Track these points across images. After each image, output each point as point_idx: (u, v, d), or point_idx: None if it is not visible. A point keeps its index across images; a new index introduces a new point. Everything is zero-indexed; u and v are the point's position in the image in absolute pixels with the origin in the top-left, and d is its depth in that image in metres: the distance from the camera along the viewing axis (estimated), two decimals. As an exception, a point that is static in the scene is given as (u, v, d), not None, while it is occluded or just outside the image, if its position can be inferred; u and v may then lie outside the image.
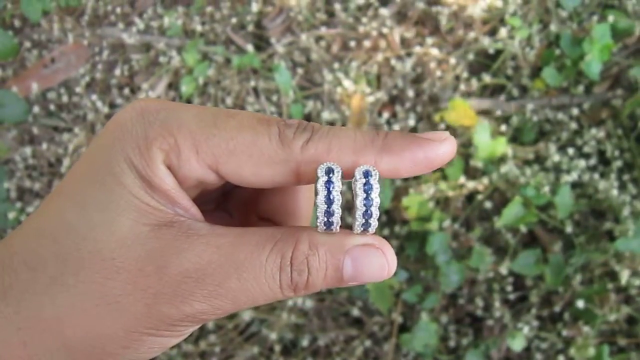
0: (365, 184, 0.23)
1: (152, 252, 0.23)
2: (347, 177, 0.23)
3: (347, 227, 0.24)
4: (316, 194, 0.23)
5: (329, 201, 0.23)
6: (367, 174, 0.23)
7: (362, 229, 0.23)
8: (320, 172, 0.23)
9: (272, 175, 0.23)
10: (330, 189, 0.23)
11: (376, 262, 0.23)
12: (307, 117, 1.00)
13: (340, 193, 0.23)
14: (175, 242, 0.23)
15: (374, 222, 0.23)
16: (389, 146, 0.23)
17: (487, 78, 0.97)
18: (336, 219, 0.23)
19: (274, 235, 0.23)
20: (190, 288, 0.22)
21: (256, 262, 0.23)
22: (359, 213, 0.23)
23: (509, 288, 0.86)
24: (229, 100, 1.00)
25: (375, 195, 0.23)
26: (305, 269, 0.23)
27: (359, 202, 0.23)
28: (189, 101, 1.02)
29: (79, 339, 0.23)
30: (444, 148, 0.23)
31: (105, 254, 0.23)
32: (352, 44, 1.01)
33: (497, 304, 0.85)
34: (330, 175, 0.23)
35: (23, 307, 0.23)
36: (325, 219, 0.23)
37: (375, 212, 0.23)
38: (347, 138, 0.23)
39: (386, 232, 0.91)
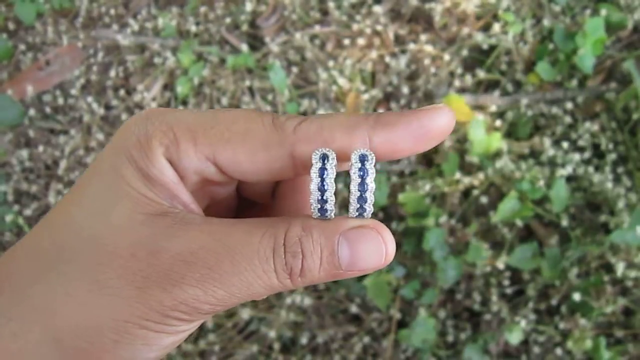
0: (360, 169, 0.23)
1: (145, 238, 0.23)
2: (343, 158, 0.23)
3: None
4: (310, 181, 0.23)
5: (322, 189, 0.23)
6: (362, 158, 0.23)
7: (357, 213, 0.23)
8: (315, 159, 0.23)
9: (267, 159, 0.23)
10: (324, 176, 0.23)
11: (373, 245, 0.23)
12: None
13: (335, 182, 0.23)
14: (168, 229, 0.23)
15: (369, 207, 0.23)
16: (383, 120, 0.23)
17: (481, 73, 0.97)
18: (330, 206, 0.23)
19: (267, 221, 0.23)
20: (182, 271, 0.22)
21: (249, 245, 0.22)
22: (353, 198, 0.23)
23: (506, 282, 0.86)
24: (225, 100, 1.00)
25: (370, 180, 0.23)
26: (299, 251, 0.22)
27: (354, 187, 0.23)
28: (184, 102, 1.03)
29: (69, 330, 0.22)
30: (440, 117, 0.23)
31: (100, 240, 0.23)
32: (347, 41, 1.01)
33: (494, 298, 0.85)
34: (325, 161, 0.23)
35: (17, 296, 0.23)
36: (319, 206, 0.23)
37: (370, 197, 0.23)
38: (340, 117, 0.23)
39: (383, 228, 0.91)
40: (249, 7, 1.05)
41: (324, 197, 0.23)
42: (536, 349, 0.84)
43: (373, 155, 0.23)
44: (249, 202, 0.30)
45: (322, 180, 0.23)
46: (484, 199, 0.89)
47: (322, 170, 0.23)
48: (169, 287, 0.22)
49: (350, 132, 0.23)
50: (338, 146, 0.23)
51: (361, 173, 0.23)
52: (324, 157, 0.23)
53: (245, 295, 0.23)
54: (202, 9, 1.07)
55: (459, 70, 0.98)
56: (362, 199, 0.23)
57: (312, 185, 0.23)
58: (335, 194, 0.23)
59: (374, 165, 0.23)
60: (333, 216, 0.23)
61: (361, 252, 0.23)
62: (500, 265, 0.84)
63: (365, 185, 0.23)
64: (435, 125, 0.23)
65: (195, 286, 0.22)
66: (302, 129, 0.23)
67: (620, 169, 0.90)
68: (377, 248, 0.23)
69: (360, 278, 0.87)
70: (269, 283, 0.23)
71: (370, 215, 0.23)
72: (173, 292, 0.22)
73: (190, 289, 0.22)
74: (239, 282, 0.22)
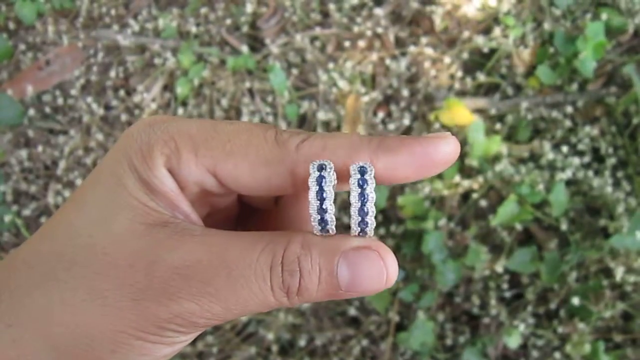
0: (360, 180, 0.22)
1: (143, 249, 0.22)
2: (343, 177, 0.23)
3: (345, 229, 0.24)
4: (308, 191, 0.22)
5: (321, 198, 0.22)
6: (362, 170, 0.22)
7: (359, 228, 0.23)
8: (312, 169, 0.22)
9: (268, 175, 0.23)
10: (322, 184, 0.22)
11: (374, 268, 0.22)
12: (303, 118, 1.00)
13: (334, 189, 0.22)
14: (167, 240, 0.23)
15: (371, 220, 0.23)
16: (386, 144, 0.23)
17: (481, 77, 0.97)
18: (330, 216, 0.23)
19: (266, 237, 0.23)
20: (178, 285, 0.22)
21: (246, 261, 0.22)
22: (354, 210, 0.22)
23: (505, 286, 0.86)
24: (224, 102, 1.00)
25: (370, 190, 0.22)
26: (297, 270, 0.22)
27: (354, 198, 0.22)
28: (184, 103, 1.03)
29: (67, 338, 0.22)
30: (445, 146, 0.22)
31: (98, 249, 0.23)
32: (347, 44, 1.01)
33: (493, 301, 0.85)
34: (322, 171, 0.22)
35: (15, 303, 0.23)
36: (319, 218, 0.23)
37: (371, 208, 0.22)
38: (343, 138, 0.23)
39: (382, 231, 0.91)
40: (249, 8, 1.05)
41: (324, 207, 0.23)
42: (535, 353, 0.84)
43: (372, 167, 0.22)
44: (251, 209, 0.29)
45: (321, 188, 0.22)
46: (483, 203, 0.89)
47: (320, 178, 0.22)
48: (164, 300, 0.22)
49: (352, 154, 0.23)
50: (339, 168, 0.23)
51: (361, 182, 0.22)
52: (322, 167, 0.22)
53: (242, 311, 0.22)
54: (203, 10, 1.07)
55: (459, 73, 0.98)
56: (363, 212, 0.23)
57: (311, 195, 0.23)
58: (334, 202, 0.23)
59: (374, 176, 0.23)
60: (334, 228, 0.23)
61: (361, 275, 0.22)
62: (499, 268, 0.84)
63: (366, 196, 0.22)
64: (439, 153, 0.22)
65: (190, 300, 0.22)
66: (304, 147, 0.23)
67: (619, 174, 0.90)
68: (377, 271, 0.22)
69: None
70: (265, 300, 0.22)
71: (373, 227, 0.23)
72: (169, 305, 0.22)
73: (186, 303, 0.22)
74: (235, 298, 0.22)
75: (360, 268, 0.22)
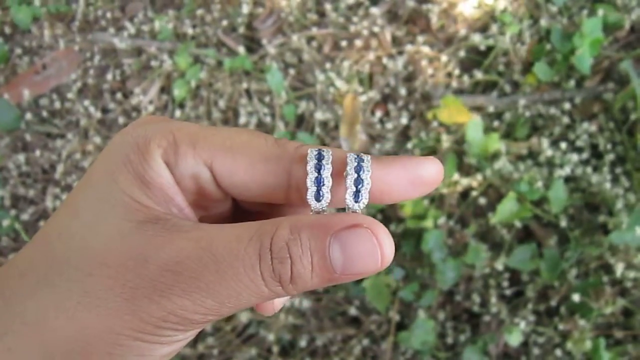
0: (357, 158, 0.23)
1: (134, 247, 0.22)
2: (340, 179, 0.23)
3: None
4: (306, 165, 0.23)
5: (319, 170, 0.23)
6: (359, 154, 0.23)
7: (353, 200, 0.23)
8: (310, 150, 0.23)
9: (265, 172, 0.23)
10: (321, 160, 0.23)
11: (367, 247, 0.21)
12: (300, 118, 1.00)
13: (331, 165, 0.23)
14: (157, 237, 0.22)
15: (366, 192, 0.23)
16: (380, 159, 0.24)
17: (478, 74, 0.97)
18: (326, 190, 0.23)
19: (254, 226, 0.22)
20: (169, 282, 0.21)
21: (234, 252, 0.21)
22: (350, 180, 0.23)
23: (505, 283, 0.86)
24: (222, 103, 1.00)
25: (366, 165, 0.23)
26: (287, 257, 0.21)
27: (351, 169, 0.23)
28: (182, 105, 1.02)
29: (60, 343, 0.22)
30: (433, 166, 0.24)
31: (90, 251, 0.22)
32: (344, 43, 1.01)
33: (493, 299, 0.85)
34: (321, 151, 0.23)
35: (10, 311, 0.23)
36: (315, 190, 0.23)
37: (366, 180, 0.23)
38: (339, 150, 0.24)
39: (382, 230, 0.91)
40: (245, 9, 1.05)
41: (320, 178, 0.23)
42: (536, 350, 0.84)
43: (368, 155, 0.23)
44: (246, 211, 0.29)
45: (319, 162, 0.23)
46: (482, 200, 0.89)
47: (319, 154, 0.23)
48: (156, 298, 0.22)
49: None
50: (336, 172, 0.23)
51: (357, 158, 0.23)
52: (319, 149, 0.23)
53: (237, 304, 0.22)
54: (199, 12, 1.07)
55: (457, 72, 0.98)
56: (358, 181, 0.23)
57: (309, 167, 0.23)
58: (332, 174, 0.23)
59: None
60: (328, 201, 0.23)
61: (355, 256, 0.21)
62: (499, 266, 0.84)
63: (362, 168, 0.23)
64: (427, 171, 0.24)
65: (182, 296, 0.21)
66: (302, 150, 0.24)
67: (618, 170, 0.90)
68: (371, 251, 0.21)
69: (359, 280, 0.87)
70: (258, 292, 0.22)
71: (367, 200, 0.23)
72: (161, 303, 0.21)
73: (178, 300, 0.21)
74: (227, 292, 0.21)
75: (352, 249, 0.21)
